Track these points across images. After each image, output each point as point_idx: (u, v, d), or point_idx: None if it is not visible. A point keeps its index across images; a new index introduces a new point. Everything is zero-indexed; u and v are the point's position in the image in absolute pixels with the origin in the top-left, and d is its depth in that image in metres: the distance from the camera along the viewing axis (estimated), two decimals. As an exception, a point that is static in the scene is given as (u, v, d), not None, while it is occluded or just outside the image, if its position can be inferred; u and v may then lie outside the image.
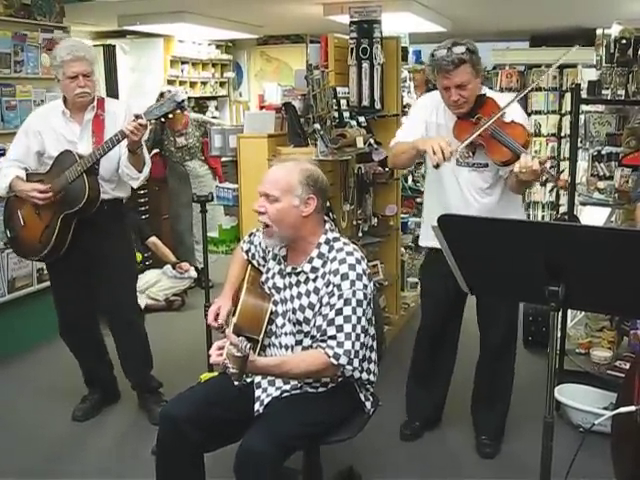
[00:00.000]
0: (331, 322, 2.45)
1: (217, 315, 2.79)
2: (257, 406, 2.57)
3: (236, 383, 2.27)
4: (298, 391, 2.59)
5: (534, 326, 4.77)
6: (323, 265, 2.55)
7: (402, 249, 5.44)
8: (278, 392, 2.59)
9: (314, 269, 2.56)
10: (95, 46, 7.20)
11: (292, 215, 2.52)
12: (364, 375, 2.61)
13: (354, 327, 2.45)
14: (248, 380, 2.63)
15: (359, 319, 2.46)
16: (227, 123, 8.59)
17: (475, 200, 3.23)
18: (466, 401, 3.61)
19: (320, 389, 2.60)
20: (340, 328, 2.44)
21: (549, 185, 8.30)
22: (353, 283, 2.47)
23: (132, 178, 3.59)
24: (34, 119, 3.70)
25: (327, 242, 2.58)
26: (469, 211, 2.97)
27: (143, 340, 3.92)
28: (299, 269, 2.59)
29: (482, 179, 3.21)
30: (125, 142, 3.39)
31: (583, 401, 3.60)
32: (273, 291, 2.68)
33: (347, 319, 2.45)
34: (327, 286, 2.50)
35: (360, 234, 4.56)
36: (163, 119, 3.40)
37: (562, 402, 3.64)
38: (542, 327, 4.73)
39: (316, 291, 2.54)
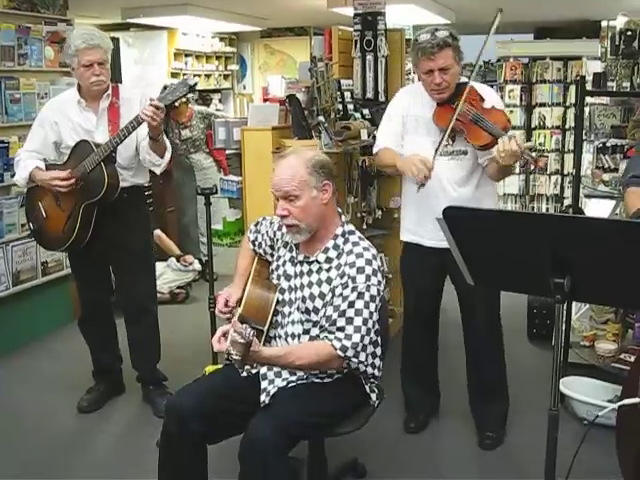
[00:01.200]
0: (342, 314, 2.45)
1: (227, 302, 2.80)
2: (263, 397, 2.57)
3: (241, 371, 2.27)
4: (304, 381, 2.59)
5: (538, 319, 4.77)
6: (338, 257, 2.55)
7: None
8: (284, 383, 2.59)
9: (329, 259, 2.56)
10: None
11: (315, 207, 2.52)
12: (369, 369, 2.62)
13: (365, 321, 2.45)
14: (254, 371, 2.64)
15: (371, 314, 2.47)
16: (231, 116, 8.59)
17: (453, 189, 3.22)
18: (465, 394, 3.61)
19: (326, 380, 2.60)
20: (350, 321, 2.44)
21: (553, 177, 8.29)
22: (368, 278, 2.47)
23: (154, 164, 3.60)
24: (49, 110, 3.69)
25: (343, 234, 2.59)
26: (446, 201, 2.92)
27: (156, 330, 3.94)
28: (312, 258, 2.59)
29: (460, 167, 3.22)
30: (142, 129, 3.39)
31: (588, 394, 3.60)
32: (283, 278, 2.68)
33: (358, 312, 2.45)
34: (341, 277, 2.50)
35: (364, 227, 4.55)
36: (176, 104, 3.38)
37: (567, 395, 3.64)
38: (546, 320, 4.73)
39: (328, 281, 2.54)
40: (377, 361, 2.66)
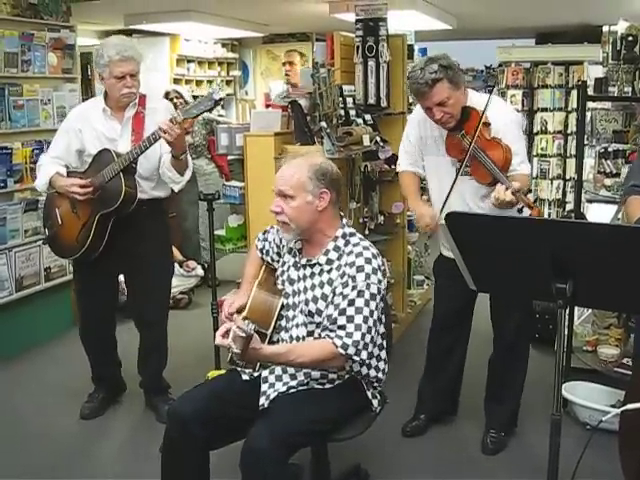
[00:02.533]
0: (342, 312, 2.47)
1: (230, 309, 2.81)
2: (262, 400, 2.57)
3: (241, 369, 2.27)
4: (304, 387, 2.60)
5: (541, 323, 4.76)
6: (339, 258, 2.57)
7: (408, 247, 5.44)
8: (285, 387, 2.59)
9: (329, 261, 2.58)
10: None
11: (308, 211, 2.55)
12: (372, 372, 2.62)
13: (365, 319, 2.46)
14: (255, 374, 2.65)
15: (371, 312, 2.48)
16: (233, 121, 8.60)
17: (475, 204, 3.24)
18: (474, 397, 3.61)
19: (327, 385, 2.61)
20: (351, 319, 2.45)
21: (555, 182, 8.30)
22: (368, 276, 2.49)
23: (173, 181, 3.57)
24: (74, 117, 3.68)
25: (344, 236, 2.61)
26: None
27: (165, 339, 3.93)
28: (314, 261, 2.61)
29: (480, 185, 3.21)
30: (165, 143, 3.35)
31: (590, 398, 3.60)
32: (287, 283, 2.70)
33: (358, 310, 2.46)
34: (342, 277, 2.52)
35: (366, 232, 4.55)
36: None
37: (569, 399, 3.64)
38: (549, 324, 4.73)
39: (330, 282, 2.56)
40: (382, 364, 2.66)
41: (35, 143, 4.74)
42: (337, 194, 2.63)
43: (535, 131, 8.31)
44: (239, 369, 2.69)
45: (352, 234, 2.64)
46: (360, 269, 2.50)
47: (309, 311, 2.59)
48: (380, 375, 2.66)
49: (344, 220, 2.69)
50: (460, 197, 3.24)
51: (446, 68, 3.04)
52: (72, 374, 4.36)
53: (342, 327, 2.45)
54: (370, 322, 2.47)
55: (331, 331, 2.47)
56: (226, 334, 2.37)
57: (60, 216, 3.63)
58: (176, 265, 5.82)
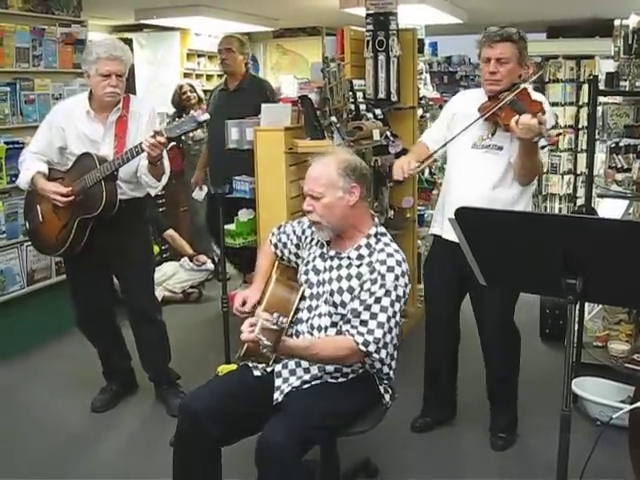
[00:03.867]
0: (367, 307, 2.50)
1: (244, 303, 2.83)
2: (277, 395, 2.59)
3: (260, 365, 2.36)
4: (318, 381, 2.61)
5: (551, 319, 4.76)
6: (370, 255, 2.61)
7: (418, 241, 5.44)
8: (298, 382, 2.61)
9: (360, 256, 2.62)
10: (112, 40, 7.23)
11: (339, 207, 2.59)
12: (385, 369, 2.64)
13: (388, 319, 2.49)
14: (269, 369, 2.66)
15: (394, 313, 2.52)
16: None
17: (487, 190, 3.22)
18: (481, 395, 3.60)
19: (340, 379, 2.62)
20: (374, 316, 2.49)
21: (566, 177, 8.27)
22: (397, 278, 2.53)
23: (150, 186, 3.60)
24: (58, 114, 3.68)
25: (376, 235, 2.66)
26: (480, 202, 2.96)
27: (161, 333, 3.93)
28: (344, 254, 2.65)
29: (494, 164, 3.22)
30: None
31: (600, 394, 3.60)
32: (312, 273, 2.72)
33: (383, 309, 2.50)
34: (371, 273, 2.55)
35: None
36: (183, 137, 3.38)
37: (579, 395, 3.63)
38: (559, 320, 4.72)
39: (358, 276, 2.59)
40: (394, 363, 2.68)
41: (46, 138, 4.75)
42: (367, 189, 2.67)
43: (546, 125, 8.27)
44: (251, 365, 2.70)
45: (383, 234, 2.69)
46: (390, 269, 2.54)
47: (334, 302, 2.61)
48: (391, 373, 2.68)
49: (375, 219, 2.74)
50: (470, 178, 3.24)
51: (521, 38, 3.19)
52: (84, 367, 4.38)
53: (364, 323, 2.48)
54: (392, 322, 2.51)
55: (353, 327, 2.50)
56: (253, 326, 2.35)
57: (41, 213, 3.65)
58: (186, 259, 5.89)
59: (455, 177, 3.34)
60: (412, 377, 3.66)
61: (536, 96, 3.19)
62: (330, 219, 2.60)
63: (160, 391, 3.97)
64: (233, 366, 3.19)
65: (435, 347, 3.61)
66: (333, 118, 3.87)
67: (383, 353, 2.51)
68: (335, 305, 2.61)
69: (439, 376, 3.64)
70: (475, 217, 1.98)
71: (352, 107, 4.34)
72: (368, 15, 4.75)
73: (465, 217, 1.95)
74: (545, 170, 8.25)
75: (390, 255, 2.58)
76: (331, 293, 2.62)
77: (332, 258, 2.68)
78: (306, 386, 2.60)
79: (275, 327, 2.23)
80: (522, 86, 3.11)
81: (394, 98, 4.72)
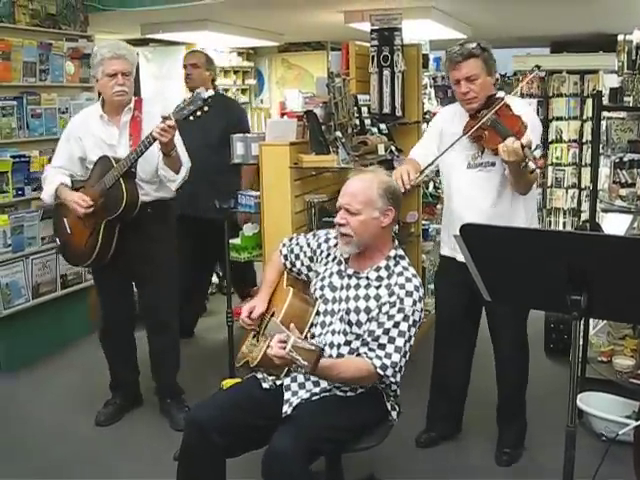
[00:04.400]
0: (386, 332, 2.52)
1: (251, 313, 2.84)
2: (285, 408, 2.59)
3: (270, 377, 2.40)
4: (327, 394, 2.62)
5: (555, 333, 4.75)
6: (389, 277, 2.63)
7: (423, 256, 5.44)
8: (308, 394, 2.62)
9: (379, 278, 2.64)
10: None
11: (372, 226, 2.62)
12: (393, 386, 2.65)
13: (405, 343, 2.53)
14: (278, 382, 2.67)
15: (410, 338, 2.55)
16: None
17: (486, 207, 3.23)
18: (487, 410, 3.60)
19: (349, 393, 2.63)
20: (392, 340, 2.51)
21: (570, 191, 8.27)
22: (415, 303, 2.56)
23: (169, 180, 3.60)
24: (74, 125, 3.73)
25: (395, 257, 2.69)
26: (479, 217, 3.05)
27: (176, 343, 3.96)
28: (362, 274, 2.67)
29: (489, 181, 3.23)
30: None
31: (605, 409, 3.59)
32: (327, 289, 2.72)
33: (401, 334, 2.52)
34: (390, 296, 2.57)
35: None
36: (192, 117, 3.36)
37: (584, 410, 3.62)
38: (564, 335, 4.71)
39: (377, 298, 2.60)
40: (400, 379, 2.68)
41: (52, 152, 4.72)
42: (398, 214, 2.71)
43: (550, 140, 8.28)
44: (260, 376, 2.70)
45: (402, 257, 2.72)
46: (409, 294, 2.56)
47: (349, 320, 2.62)
48: (398, 390, 2.70)
49: (395, 242, 2.76)
50: (468, 196, 3.25)
51: (483, 50, 3.16)
52: (88, 381, 4.39)
53: (382, 346, 2.51)
54: (407, 347, 2.54)
55: (370, 349, 2.52)
56: (283, 343, 2.32)
57: (68, 225, 3.68)
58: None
59: (456, 199, 3.33)
60: (416, 393, 3.65)
61: (517, 106, 3.16)
62: (361, 236, 2.62)
63: (164, 405, 3.97)
64: (237, 380, 3.19)
65: (444, 360, 3.61)
66: (338, 133, 3.89)
67: (398, 377, 2.54)
68: (350, 324, 2.62)
69: (446, 390, 3.63)
70: (479, 233, 1.99)
71: (357, 122, 4.36)
72: (373, 31, 4.78)
73: (470, 233, 1.95)
74: (549, 184, 8.26)
75: (409, 280, 2.61)
76: (347, 311, 2.63)
77: (350, 277, 2.69)
78: (315, 398, 2.61)
79: (313, 347, 2.24)
80: (501, 103, 3.10)
81: (399, 113, 4.74)
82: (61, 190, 3.60)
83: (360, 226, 2.60)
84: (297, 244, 2.94)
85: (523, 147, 2.87)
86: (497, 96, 3.20)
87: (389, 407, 2.69)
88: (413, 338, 2.57)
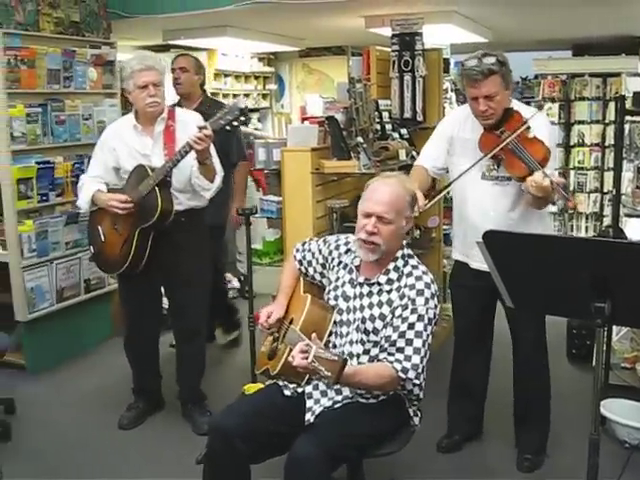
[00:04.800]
0: (402, 335, 2.50)
1: (268, 318, 2.84)
2: (308, 416, 2.60)
3: (291, 385, 2.36)
4: (349, 401, 2.62)
5: (578, 339, 4.72)
6: (399, 279, 2.61)
7: (444, 260, 5.43)
8: (330, 402, 2.62)
9: (390, 281, 2.62)
10: (140, 60, 7.30)
11: (398, 235, 2.64)
12: (416, 390, 2.63)
13: (424, 343, 2.50)
14: (300, 390, 2.67)
15: (428, 337, 2.52)
16: (269, 134, 8.66)
17: (500, 217, 3.21)
18: (508, 415, 3.58)
19: (371, 400, 2.62)
20: (410, 342, 2.49)
21: (592, 195, 8.22)
22: (427, 301, 2.53)
23: (204, 189, 3.60)
24: (108, 135, 3.77)
25: (403, 257, 2.67)
26: (492, 226, 2.96)
27: (203, 350, 3.99)
28: (373, 280, 2.65)
29: (504, 194, 3.21)
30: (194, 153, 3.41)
31: (629, 416, 3.56)
32: (341, 299, 2.72)
33: (418, 334, 2.50)
34: (401, 299, 2.55)
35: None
36: (229, 127, 3.36)
37: (607, 417, 3.60)
38: (586, 340, 4.68)
39: (389, 303, 2.59)
40: (423, 383, 2.67)
41: (76, 157, 4.83)
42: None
43: (572, 144, 8.24)
44: (281, 384, 2.71)
45: (410, 256, 2.69)
46: (420, 293, 2.54)
47: (365, 329, 2.61)
48: (421, 394, 2.68)
49: (404, 241, 2.73)
50: (481, 206, 3.24)
51: (502, 64, 3.07)
52: (111, 385, 4.43)
53: (401, 350, 2.48)
54: (426, 346, 2.51)
55: (390, 354, 2.50)
56: (304, 353, 2.29)
57: (103, 233, 3.71)
58: (212, 277, 5.90)
59: (469, 207, 3.30)
60: (439, 396, 3.65)
61: (535, 123, 3.10)
62: (389, 244, 2.60)
63: (187, 409, 3.99)
64: (259, 385, 3.20)
65: (463, 362, 3.61)
66: (359, 138, 3.91)
67: (421, 378, 2.52)
68: (367, 332, 2.61)
69: (466, 392, 3.63)
70: (503, 240, 1.99)
71: (378, 127, 4.37)
72: (394, 36, 4.79)
73: (492, 240, 1.96)
74: (571, 188, 8.21)
75: (419, 278, 2.59)
76: (362, 320, 2.62)
77: (362, 285, 2.67)
78: (337, 406, 2.61)
79: (335, 358, 2.21)
80: (522, 128, 3.04)
81: (420, 118, 4.75)
82: (97, 195, 3.64)
83: (390, 235, 2.58)
84: (309, 250, 2.93)
85: (553, 184, 2.83)
86: (513, 109, 3.16)
87: (411, 413, 2.69)
88: (431, 336, 2.55)
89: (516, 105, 3.24)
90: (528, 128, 3.07)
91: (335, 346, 2.69)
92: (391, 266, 2.64)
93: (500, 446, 3.62)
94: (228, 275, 6.03)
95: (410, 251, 2.72)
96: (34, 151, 4.62)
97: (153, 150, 3.62)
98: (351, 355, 2.64)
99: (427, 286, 2.57)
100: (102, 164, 3.72)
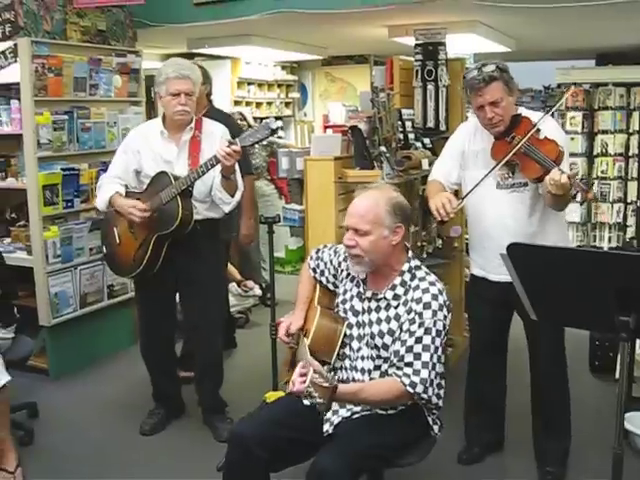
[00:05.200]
0: (409, 349, 2.48)
1: (287, 330, 2.85)
2: (326, 427, 2.61)
3: (323, 412, 2.29)
4: (368, 412, 2.62)
5: (600, 350, 4.68)
6: (405, 293, 2.58)
7: (466, 270, 5.41)
8: (348, 413, 2.62)
9: (396, 296, 2.59)
10: (165, 68, 7.37)
11: (383, 245, 2.56)
12: (434, 399, 2.61)
13: (432, 356, 2.48)
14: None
15: (437, 349, 2.49)
16: (292, 143, 8.69)
17: (517, 227, 3.20)
18: (529, 427, 3.56)
19: (390, 411, 2.62)
20: (418, 356, 2.47)
21: (616, 205, 8.15)
22: (435, 313, 2.50)
23: (224, 202, 3.63)
24: (134, 138, 3.80)
25: (410, 270, 2.62)
26: (510, 236, 2.90)
27: (220, 358, 4.00)
28: (380, 295, 2.62)
29: (521, 201, 3.21)
30: (219, 166, 3.43)
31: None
32: (350, 313, 2.71)
33: (426, 348, 2.48)
34: (408, 313, 2.53)
35: (424, 255, 4.56)
36: (257, 146, 3.39)
37: (630, 430, 3.58)
38: (609, 352, 4.64)
39: (397, 317, 2.57)
40: (442, 392, 2.67)
41: (101, 164, 4.87)
42: (408, 230, 2.65)
43: (595, 153, 8.18)
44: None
45: (418, 267, 2.65)
46: (427, 306, 2.51)
47: (375, 345, 2.60)
48: (440, 402, 2.66)
49: (409, 253, 2.69)
50: (499, 216, 3.23)
51: (502, 70, 3.11)
52: (133, 390, 4.46)
53: (409, 364, 2.47)
54: (435, 359, 2.49)
55: (398, 368, 2.49)
56: (303, 377, 2.30)
57: (118, 235, 3.74)
58: (234, 284, 5.94)
59: (485, 218, 3.29)
60: (460, 406, 3.65)
61: (545, 125, 3.13)
62: (372, 256, 2.56)
63: (207, 416, 4.01)
64: (281, 393, 3.21)
65: (479, 375, 3.60)
66: (382, 148, 3.91)
67: (430, 391, 2.49)
68: (377, 348, 2.60)
69: (482, 404, 3.62)
70: (527, 253, 1.99)
71: (401, 136, 4.37)
72: (417, 45, 4.80)
73: (516, 253, 1.96)
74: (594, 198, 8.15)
75: (425, 290, 2.55)
76: (372, 336, 2.61)
77: (369, 299, 2.65)
78: (356, 416, 2.61)
79: (327, 384, 2.20)
80: (532, 130, 3.06)
81: (442, 127, 4.75)
82: (116, 198, 3.67)
83: (370, 246, 2.54)
84: (322, 259, 2.94)
85: (571, 180, 2.83)
86: (522, 115, 3.17)
87: (430, 421, 2.67)
88: (441, 348, 2.51)
89: (524, 112, 3.25)
90: (538, 130, 3.10)
91: (350, 359, 2.69)
92: (397, 281, 2.61)
93: (522, 458, 3.59)
94: (250, 282, 6.06)
95: (417, 262, 2.69)
96: (59, 158, 4.69)
97: (178, 158, 3.64)
98: (363, 370, 2.64)
99: (434, 297, 2.53)
100: (123, 166, 3.76)
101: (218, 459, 3.39)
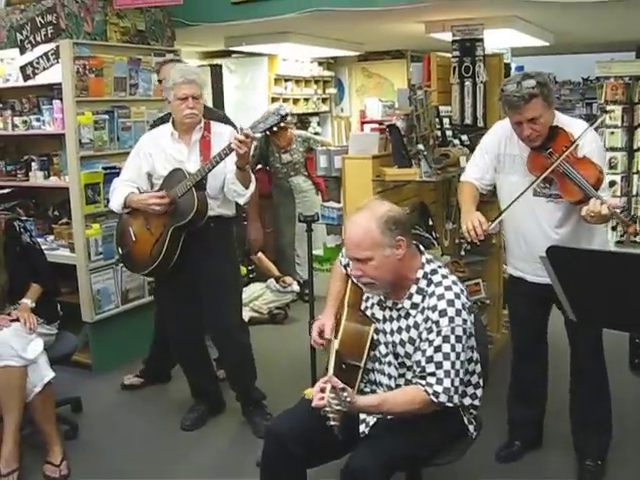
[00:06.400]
0: (430, 359, 2.47)
1: (321, 331, 2.86)
2: (362, 427, 2.63)
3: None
4: None
5: (640, 348, 4.65)
6: (423, 300, 2.56)
7: (504, 266, 5.39)
8: None
9: (414, 305, 2.57)
10: (202, 66, 7.44)
11: (389, 264, 2.51)
12: (467, 400, 2.63)
13: (453, 364, 2.45)
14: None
15: (458, 355, 2.47)
16: (329, 138, 8.71)
17: (552, 231, 3.19)
18: (565, 423, 3.55)
19: None
20: (439, 365, 2.45)
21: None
22: (452, 320, 2.47)
23: (239, 195, 3.69)
24: (145, 141, 3.90)
25: (425, 276, 2.58)
26: (546, 242, 2.87)
27: (246, 353, 4.02)
28: (399, 305, 2.61)
29: (558, 209, 3.17)
30: (231, 161, 3.51)
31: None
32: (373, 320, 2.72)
33: (446, 356, 2.45)
34: (426, 322, 2.52)
35: (462, 253, 4.54)
36: (268, 132, 3.47)
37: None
38: (649, 350, 4.61)
39: (416, 326, 2.56)
40: (479, 391, 2.66)
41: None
42: (410, 237, 2.58)
43: (635, 147, 8.08)
44: None
45: (434, 271, 2.60)
46: (443, 313, 2.48)
47: (397, 353, 2.61)
48: (476, 402, 2.67)
49: (424, 257, 2.64)
50: (536, 222, 3.21)
51: (542, 85, 3.01)
52: (174, 385, 4.53)
53: (432, 374, 2.46)
54: (458, 365, 2.47)
55: (421, 378, 2.48)
56: (322, 392, 2.34)
57: (134, 233, 3.81)
58: (272, 280, 6.00)
59: (522, 223, 3.27)
60: (499, 404, 3.65)
61: (573, 130, 3.07)
62: (382, 279, 2.53)
63: (247, 412, 4.06)
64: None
65: (522, 369, 3.60)
66: (420, 146, 3.90)
67: (455, 398, 2.47)
68: (400, 356, 2.60)
69: (526, 398, 3.61)
70: (567, 256, 1.99)
71: (439, 134, 4.36)
72: (454, 41, 4.78)
73: (557, 256, 1.96)
74: (634, 193, 8.05)
75: (441, 297, 2.51)
76: (394, 345, 2.61)
77: (390, 308, 2.64)
78: (391, 416, 2.61)
79: (339, 407, 2.23)
80: (571, 147, 3.00)
81: (480, 124, 4.72)
82: (131, 197, 3.75)
83: (376, 272, 2.50)
84: None
85: (611, 210, 2.79)
86: (558, 127, 3.11)
87: (466, 421, 2.67)
88: (463, 353, 2.47)
89: (559, 117, 3.18)
90: (576, 147, 3.03)
91: (379, 362, 2.70)
92: (414, 289, 2.58)
93: (561, 455, 3.58)
94: (288, 278, 6.11)
95: (434, 266, 2.62)
96: (101, 157, 4.77)
97: (189, 157, 3.73)
98: (389, 376, 2.66)
99: (450, 303, 2.48)
100: (136, 169, 3.84)
101: (257, 454, 3.42)
